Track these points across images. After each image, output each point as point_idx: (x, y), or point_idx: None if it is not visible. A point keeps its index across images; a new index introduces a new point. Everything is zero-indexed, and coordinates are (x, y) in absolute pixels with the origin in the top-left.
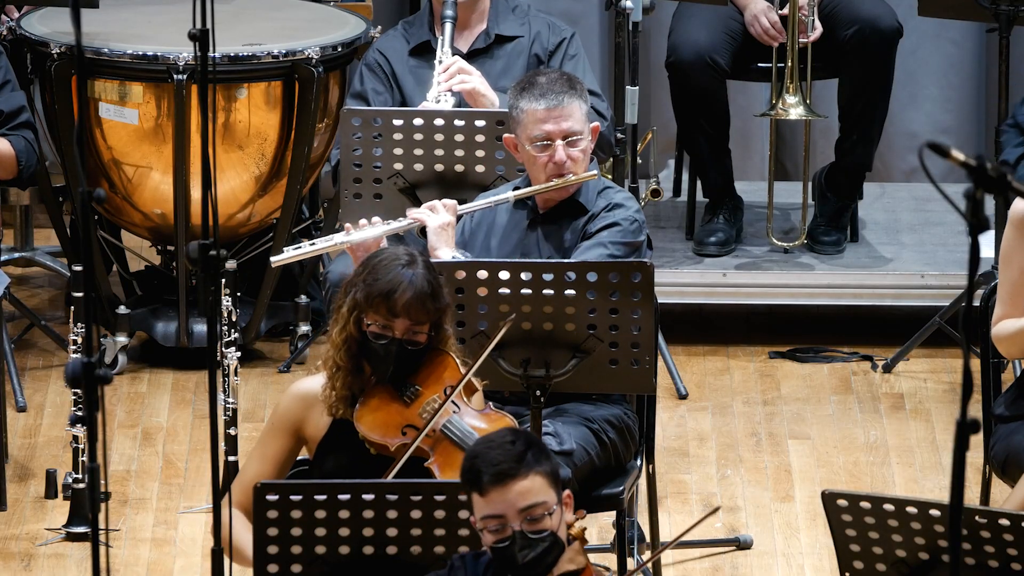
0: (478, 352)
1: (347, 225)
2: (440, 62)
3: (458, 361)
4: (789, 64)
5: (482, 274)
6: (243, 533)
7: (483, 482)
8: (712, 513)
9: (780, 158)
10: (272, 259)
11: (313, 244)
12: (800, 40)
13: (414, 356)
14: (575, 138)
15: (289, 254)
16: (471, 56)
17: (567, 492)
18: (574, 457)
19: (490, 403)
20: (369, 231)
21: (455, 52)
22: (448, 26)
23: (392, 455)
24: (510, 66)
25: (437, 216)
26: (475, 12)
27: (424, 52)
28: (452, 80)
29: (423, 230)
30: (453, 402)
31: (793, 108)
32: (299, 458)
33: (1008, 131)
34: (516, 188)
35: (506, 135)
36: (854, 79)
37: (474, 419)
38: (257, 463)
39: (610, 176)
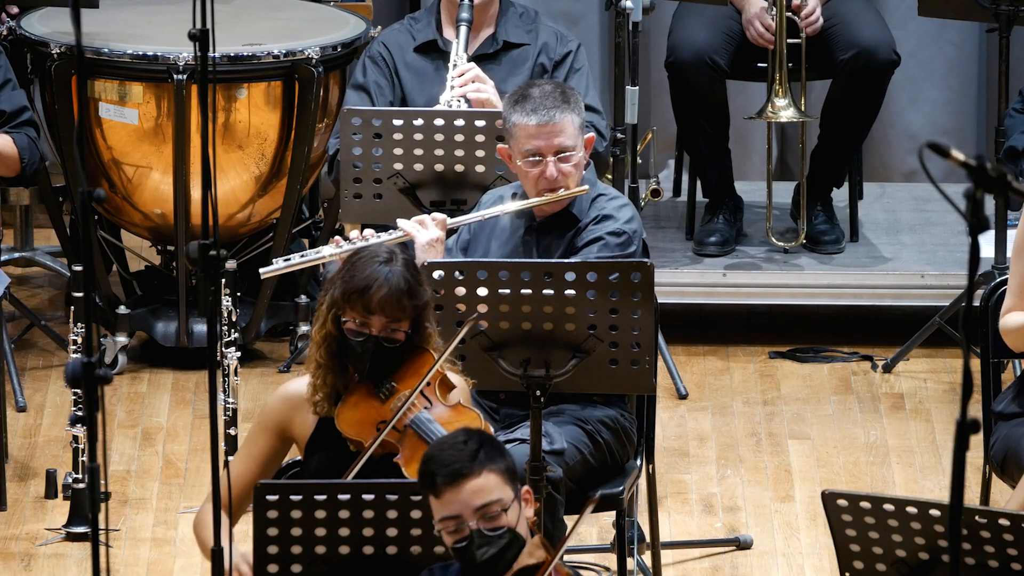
0: (474, 354)
1: (336, 238)
2: (455, 66)
3: (438, 359)
4: (777, 67)
5: (482, 274)
6: (207, 533)
7: (437, 483)
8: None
9: (784, 157)
10: (261, 271)
11: (304, 256)
12: (802, 32)
13: (393, 354)
14: (567, 153)
15: (278, 266)
16: (476, 60)
17: (526, 488)
18: (565, 456)
19: (461, 400)
20: (359, 244)
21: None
22: (464, 29)
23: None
24: (514, 73)
25: (426, 232)
26: (486, 16)
27: (429, 51)
28: (467, 87)
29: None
30: (426, 397)
31: (783, 111)
32: (294, 459)
33: (1015, 116)
34: (514, 193)
35: (500, 146)
36: (842, 102)
37: (443, 414)
38: (241, 460)
39: (610, 176)
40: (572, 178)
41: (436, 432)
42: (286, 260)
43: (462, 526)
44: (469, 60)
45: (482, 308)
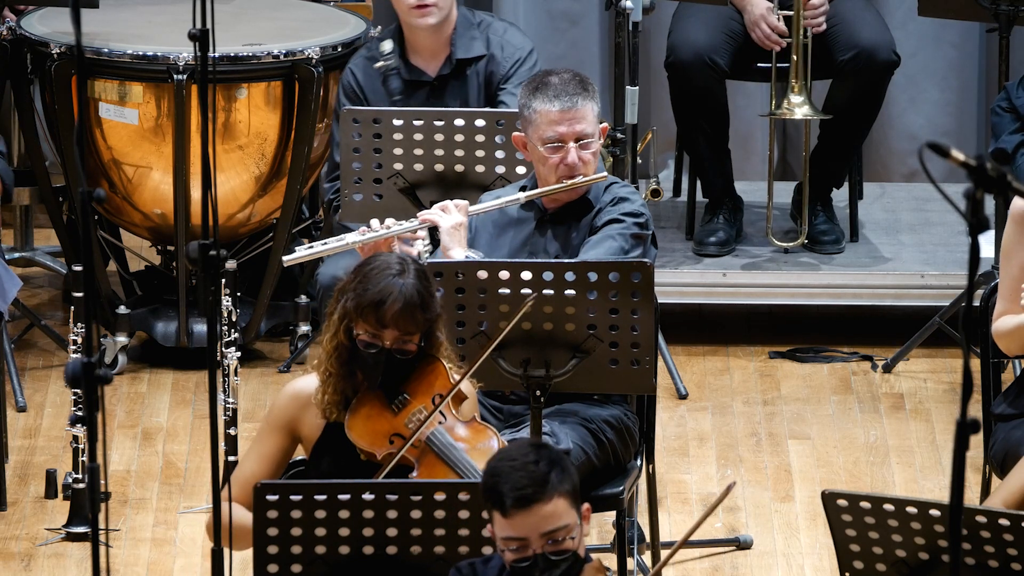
0: (474, 355)
1: (363, 228)
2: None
3: (449, 369)
4: (794, 63)
5: (482, 274)
6: (242, 514)
7: (506, 505)
8: (728, 490)
9: (784, 157)
10: (284, 258)
11: (325, 244)
12: (808, 30)
13: (404, 364)
14: (587, 140)
15: (301, 253)
16: (440, 84)
17: (586, 506)
18: (571, 457)
19: (476, 415)
20: (381, 232)
21: (423, 78)
22: None
23: (380, 463)
24: (471, 87)
25: (449, 217)
26: (443, 38)
27: (401, 83)
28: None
29: (434, 230)
30: (440, 412)
31: (798, 108)
32: (297, 458)
33: (1002, 115)
34: (523, 188)
35: (515, 133)
36: (842, 103)
37: (460, 431)
38: (252, 461)
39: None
40: (590, 165)
41: (456, 455)
42: (308, 248)
43: (526, 547)
44: (432, 83)
45: (482, 309)
